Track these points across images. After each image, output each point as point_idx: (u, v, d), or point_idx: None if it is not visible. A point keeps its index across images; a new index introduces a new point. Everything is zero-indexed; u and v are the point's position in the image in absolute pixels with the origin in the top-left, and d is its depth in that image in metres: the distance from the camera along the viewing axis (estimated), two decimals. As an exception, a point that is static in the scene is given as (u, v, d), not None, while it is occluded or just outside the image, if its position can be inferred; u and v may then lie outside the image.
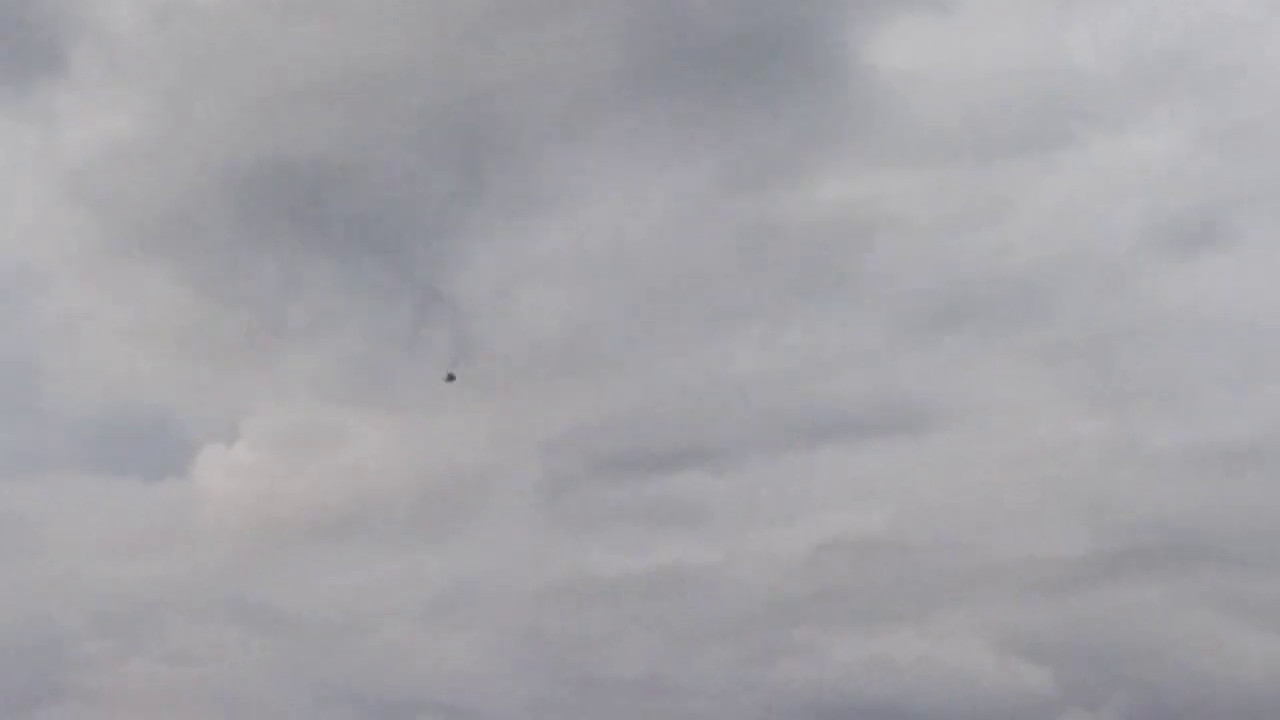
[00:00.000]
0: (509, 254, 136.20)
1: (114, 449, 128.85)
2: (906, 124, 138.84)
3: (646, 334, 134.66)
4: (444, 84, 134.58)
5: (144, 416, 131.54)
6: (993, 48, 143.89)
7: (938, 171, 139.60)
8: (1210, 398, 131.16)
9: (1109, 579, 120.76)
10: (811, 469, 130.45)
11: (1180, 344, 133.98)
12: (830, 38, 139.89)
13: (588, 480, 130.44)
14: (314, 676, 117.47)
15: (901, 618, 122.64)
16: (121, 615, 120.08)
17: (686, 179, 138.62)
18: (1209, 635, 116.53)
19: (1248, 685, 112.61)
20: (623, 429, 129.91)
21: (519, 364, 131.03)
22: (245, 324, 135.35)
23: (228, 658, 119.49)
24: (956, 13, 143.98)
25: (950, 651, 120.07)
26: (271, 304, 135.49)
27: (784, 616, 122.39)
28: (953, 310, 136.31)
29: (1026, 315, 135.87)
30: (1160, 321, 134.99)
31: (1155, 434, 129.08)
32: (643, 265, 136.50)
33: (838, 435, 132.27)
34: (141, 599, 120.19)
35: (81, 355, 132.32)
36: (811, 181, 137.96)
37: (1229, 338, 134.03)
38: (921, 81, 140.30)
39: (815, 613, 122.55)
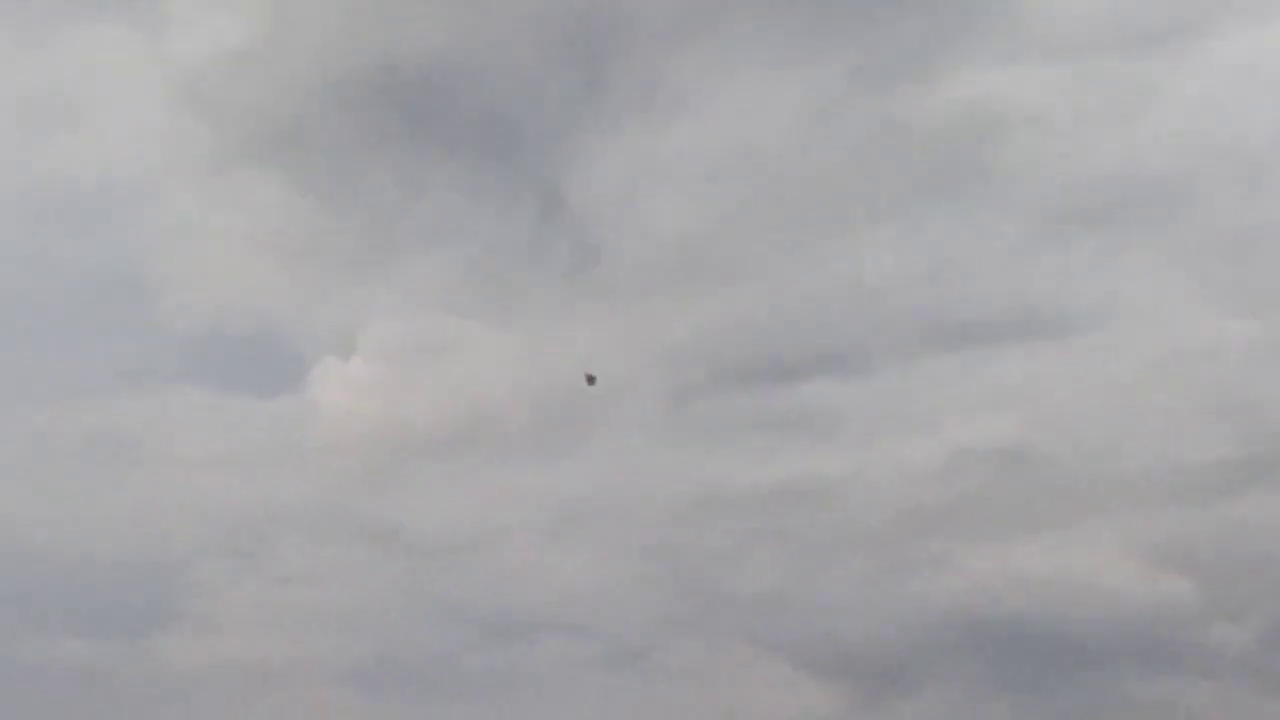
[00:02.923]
0: (632, 157, 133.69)
1: (226, 364, 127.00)
2: (1041, 17, 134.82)
3: (774, 238, 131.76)
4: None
5: (257, 330, 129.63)
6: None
7: (1074, 66, 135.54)
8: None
9: (1253, 485, 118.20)
10: (944, 376, 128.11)
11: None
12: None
13: (714, 390, 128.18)
14: (433, 596, 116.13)
15: (1038, 528, 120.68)
16: (236, 535, 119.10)
17: (814, 78, 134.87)
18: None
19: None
20: (750, 337, 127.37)
21: (642, 271, 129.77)
22: (360, 233, 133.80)
23: (345, 578, 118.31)
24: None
25: (1088, 562, 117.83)
26: (387, 212, 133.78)
27: (916, 528, 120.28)
28: (1090, 209, 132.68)
29: (1167, 213, 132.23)
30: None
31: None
32: (770, 167, 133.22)
33: (972, 340, 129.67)
34: (256, 518, 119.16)
35: (193, 267, 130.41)
36: (943, 79, 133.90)
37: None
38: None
39: (949, 524, 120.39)
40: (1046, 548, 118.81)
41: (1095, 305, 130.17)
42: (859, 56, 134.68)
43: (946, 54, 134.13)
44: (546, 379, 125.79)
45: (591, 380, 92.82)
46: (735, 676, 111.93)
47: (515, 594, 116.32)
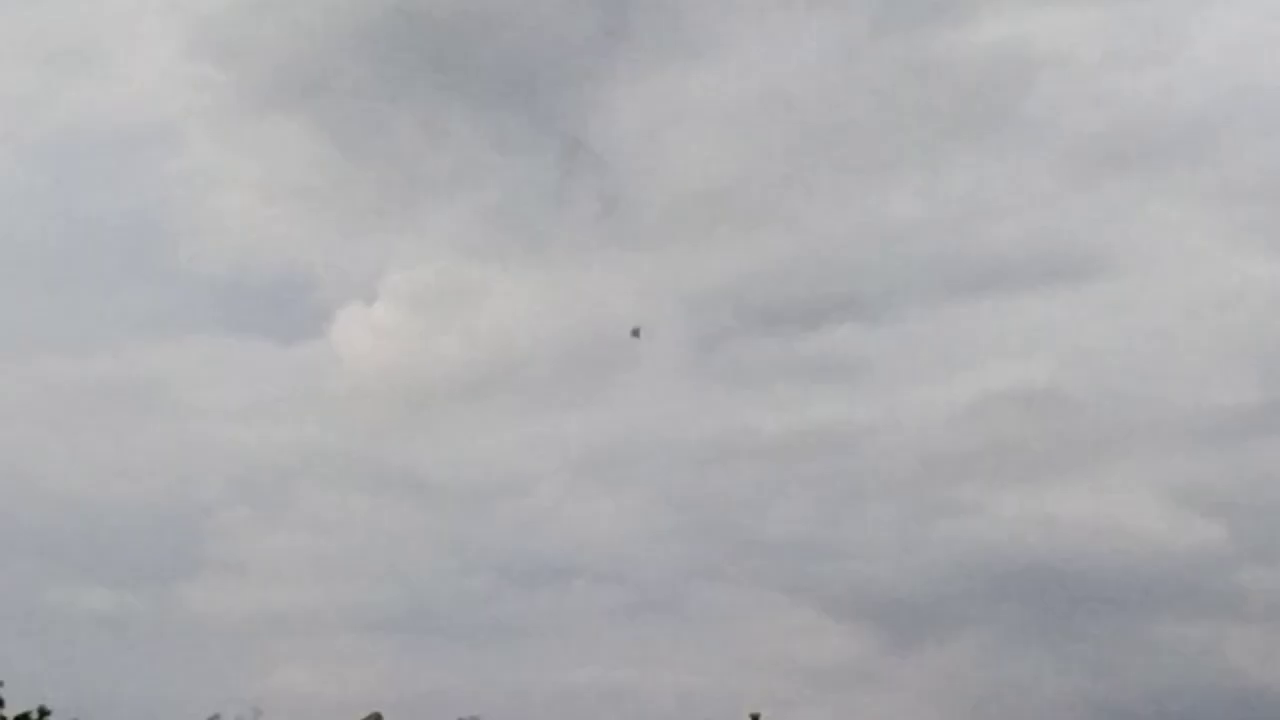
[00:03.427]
0: (655, 101, 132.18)
1: (248, 310, 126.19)
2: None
3: (800, 182, 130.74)
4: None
5: (278, 276, 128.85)
6: None
7: (1103, 6, 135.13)
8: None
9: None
10: (972, 320, 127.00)
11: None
12: None
13: (740, 336, 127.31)
14: (460, 543, 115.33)
15: (1068, 472, 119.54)
16: (260, 483, 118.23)
17: (839, 20, 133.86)
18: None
19: None
20: (776, 282, 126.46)
21: (667, 216, 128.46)
22: (383, 179, 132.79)
23: (370, 525, 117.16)
24: None
25: (1119, 506, 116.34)
26: (410, 158, 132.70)
27: (945, 474, 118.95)
28: (1120, 152, 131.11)
29: (1198, 155, 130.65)
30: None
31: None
32: (795, 110, 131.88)
33: (999, 284, 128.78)
34: (280, 466, 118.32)
35: (213, 213, 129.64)
36: (970, 20, 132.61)
37: None
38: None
39: (978, 469, 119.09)
40: (1076, 492, 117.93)
41: (1125, 248, 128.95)
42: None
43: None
44: (571, 325, 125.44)
45: (636, 333, 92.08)
46: (763, 623, 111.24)
47: (542, 540, 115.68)
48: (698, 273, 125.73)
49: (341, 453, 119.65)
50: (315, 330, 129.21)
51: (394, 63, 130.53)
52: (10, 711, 72.78)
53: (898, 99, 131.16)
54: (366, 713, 71.70)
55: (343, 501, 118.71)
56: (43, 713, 73.05)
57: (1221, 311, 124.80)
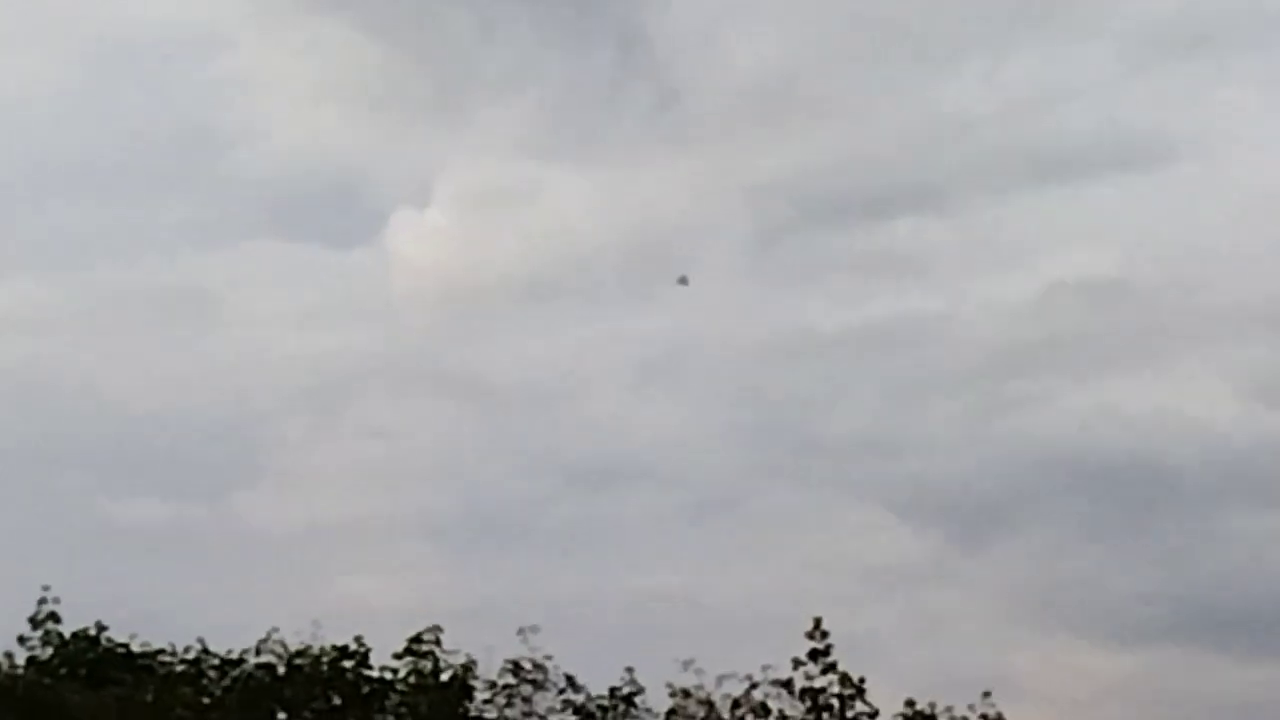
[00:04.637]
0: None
1: (300, 216, 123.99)
2: None
3: (860, 72, 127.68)
4: None
5: (330, 180, 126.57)
6: None
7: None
8: None
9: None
10: (1039, 209, 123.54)
11: None
12: None
13: (801, 230, 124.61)
14: (518, 446, 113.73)
15: (1136, 364, 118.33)
16: (315, 391, 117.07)
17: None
18: None
19: None
20: (837, 174, 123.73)
21: (725, 109, 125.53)
22: (435, 79, 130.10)
23: (428, 431, 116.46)
24: None
25: (1189, 398, 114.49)
26: (462, 56, 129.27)
27: (1011, 366, 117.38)
28: (1189, 34, 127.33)
29: (1269, 38, 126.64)
30: None
31: None
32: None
33: (1066, 173, 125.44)
34: (335, 373, 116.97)
35: (262, 117, 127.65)
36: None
37: None
38: None
39: (1044, 361, 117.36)
40: (1144, 384, 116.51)
41: (1193, 134, 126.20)
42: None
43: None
44: (630, 223, 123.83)
45: (684, 280, 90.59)
46: (827, 523, 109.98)
47: (601, 443, 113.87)
48: (756, 167, 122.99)
49: (397, 358, 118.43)
50: (369, 235, 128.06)
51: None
52: (67, 628, 72.44)
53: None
54: (426, 624, 70.51)
55: (400, 407, 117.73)
56: (100, 629, 72.57)
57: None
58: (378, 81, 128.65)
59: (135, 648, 72.65)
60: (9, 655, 71.50)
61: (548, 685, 71.33)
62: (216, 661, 71.97)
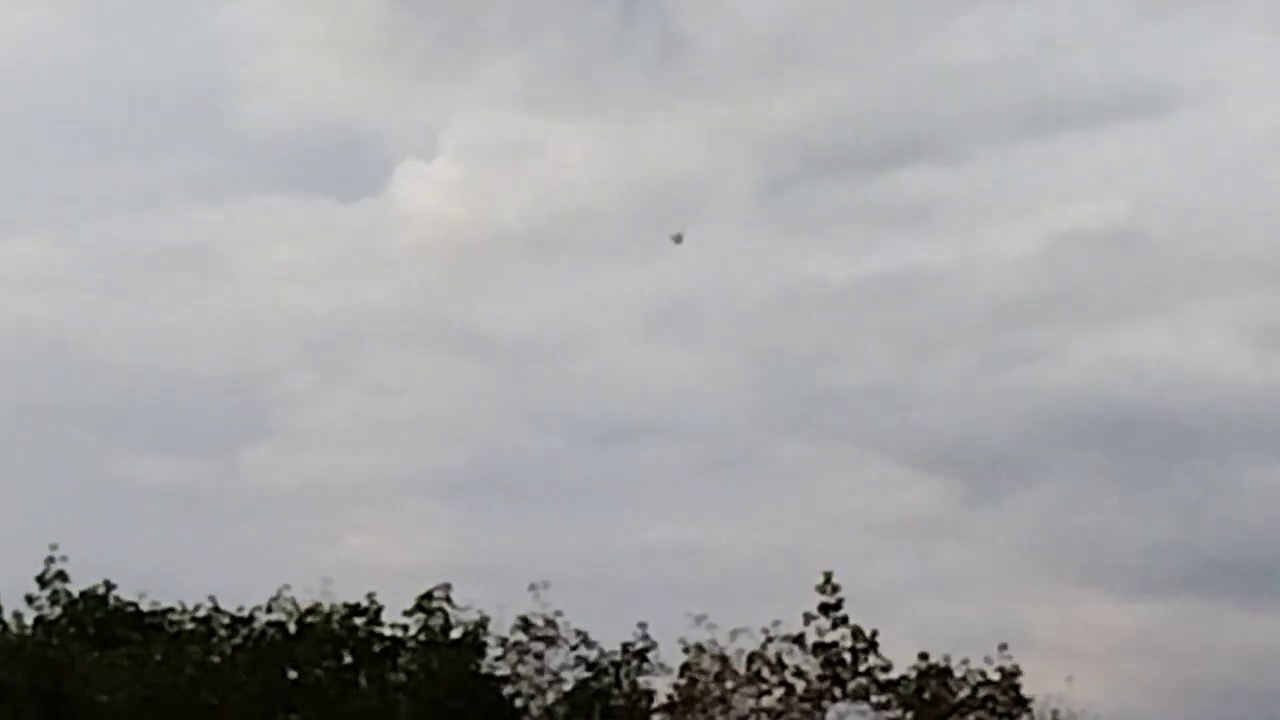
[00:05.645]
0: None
1: (304, 169, 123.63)
2: None
3: (866, 22, 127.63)
4: None
5: (335, 135, 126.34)
6: None
7: None
8: None
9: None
10: (1046, 159, 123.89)
11: None
12: None
13: (808, 181, 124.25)
14: (526, 401, 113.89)
15: (1147, 314, 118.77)
16: (322, 346, 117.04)
17: None
18: None
19: None
20: (843, 125, 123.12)
21: (731, 61, 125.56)
22: (439, 31, 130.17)
23: (436, 385, 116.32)
24: None
25: (1200, 349, 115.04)
26: (467, 8, 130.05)
27: (1020, 317, 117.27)
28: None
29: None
30: None
31: None
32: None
33: (1073, 121, 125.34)
34: (342, 328, 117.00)
35: (267, 70, 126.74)
36: None
37: None
38: None
39: (1053, 312, 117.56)
40: (1156, 334, 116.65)
41: (1201, 81, 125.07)
42: None
43: None
44: (636, 175, 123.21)
45: (679, 239, 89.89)
46: (838, 475, 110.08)
47: (610, 397, 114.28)
48: (762, 119, 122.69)
49: (404, 312, 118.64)
50: (375, 188, 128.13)
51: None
52: (75, 587, 72.12)
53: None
54: (437, 581, 70.15)
55: (408, 363, 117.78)
56: (108, 587, 72.26)
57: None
58: (383, 35, 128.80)
59: (144, 606, 72.42)
60: (17, 615, 71.32)
61: (559, 641, 70.93)
62: (227, 620, 71.58)
